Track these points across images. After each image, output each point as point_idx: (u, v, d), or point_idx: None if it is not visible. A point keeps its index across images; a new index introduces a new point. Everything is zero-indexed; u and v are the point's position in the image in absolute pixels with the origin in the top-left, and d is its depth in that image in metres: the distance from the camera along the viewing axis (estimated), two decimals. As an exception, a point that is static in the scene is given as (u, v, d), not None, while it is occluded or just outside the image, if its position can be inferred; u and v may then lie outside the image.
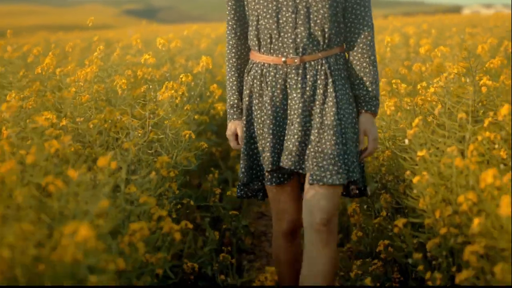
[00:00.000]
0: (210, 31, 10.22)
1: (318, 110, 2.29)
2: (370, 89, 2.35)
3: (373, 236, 3.01)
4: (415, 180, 1.87)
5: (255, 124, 2.39)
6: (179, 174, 2.60)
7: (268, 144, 2.34)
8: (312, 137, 2.29)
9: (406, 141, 2.28)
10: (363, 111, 2.37)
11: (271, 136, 2.34)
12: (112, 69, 3.79)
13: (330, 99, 2.29)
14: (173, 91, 3.06)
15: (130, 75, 3.79)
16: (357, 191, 2.42)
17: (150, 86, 2.93)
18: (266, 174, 2.38)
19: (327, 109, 2.28)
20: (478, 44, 4.35)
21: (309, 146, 2.29)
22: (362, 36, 2.34)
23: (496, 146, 2.01)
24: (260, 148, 2.39)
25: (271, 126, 2.34)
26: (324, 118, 2.28)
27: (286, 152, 2.30)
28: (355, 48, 2.35)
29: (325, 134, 2.28)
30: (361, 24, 2.34)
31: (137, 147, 2.49)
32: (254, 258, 3.74)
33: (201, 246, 3.16)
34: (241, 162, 2.46)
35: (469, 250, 1.56)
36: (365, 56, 2.35)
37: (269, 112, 2.33)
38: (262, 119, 2.36)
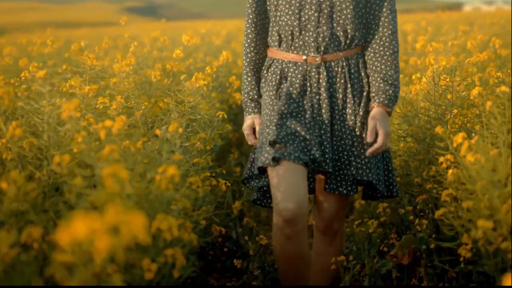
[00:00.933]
0: (220, 29, 10.79)
1: (337, 117, 2.31)
2: (381, 85, 2.31)
3: (374, 204, 3.54)
4: (407, 146, 2.41)
5: (268, 113, 2.33)
6: (213, 149, 3.14)
7: (274, 119, 2.26)
8: (331, 144, 2.30)
9: (401, 119, 2.82)
10: (374, 105, 2.32)
11: (279, 115, 2.26)
12: (144, 63, 4.34)
13: (349, 105, 2.31)
14: (202, 81, 3.62)
15: (160, 67, 4.34)
16: (379, 194, 2.38)
17: (183, 77, 3.47)
18: (267, 149, 2.23)
19: (346, 116, 2.31)
20: (468, 40, 4.90)
21: (327, 151, 2.28)
22: (377, 37, 2.33)
23: (472, 121, 2.56)
24: (265, 125, 2.30)
25: (282, 107, 2.27)
26: (342, 124, 2.31)
27: (313, 145, 2.25)
28: (369, 48, 2.35)
29: (342, 142, 2.31)
30: (376, 24, 2.33)
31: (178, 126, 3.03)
32: (269, 229, 4.30)
33: (226, 213, 3.71)
34: (252, 154, 2.42)
35: (445, 193, 2.10)
36: (378, 55, 2.33)
37: (283, 97, 2.29)
38: (281, 106, 2.29)
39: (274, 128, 2.24)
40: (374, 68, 2.34)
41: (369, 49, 2.35)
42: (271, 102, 2.32)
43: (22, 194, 1.65)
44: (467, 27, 7.24)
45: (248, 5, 2.43)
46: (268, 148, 2.23)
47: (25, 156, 2.16)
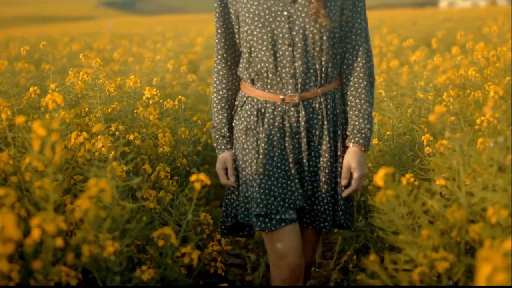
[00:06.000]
0: (212, 29, 13.65)
1: (312, 153, 2.29)
2: (357, 122, 2.30)
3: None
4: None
5: (249, 163, 2.31)
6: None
7: (262, 186, 2.26)
8: (307, 179, 2.30)
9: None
10: (350, 144, 2.31)
11: (266, 178, 2.26)
12: (173, 56, 7.23)
13: (325, 141, 2.29)
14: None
15: (182, 58, 7.20)
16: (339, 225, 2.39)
17: (204, 62, 6.35)
18: (256, 218, 2.27)
19: (322, 151, 2.29)
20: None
21: (305, 188, 2.30)
22: (353, 67, 2.31)
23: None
24: (252, 190, 2.29)
25: (267, 166, 2.26)
26: (319, 160, 2.29)
27: (296, 193, 2.27)
28: (345, 81, 2.32)
29: (318, 177, 2.30)
30: (355, 55, 2.31)
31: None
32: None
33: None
34: (226, 202, 2.43)
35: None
36: (352, 88, 2.32)
37: (266, 151, 2.27)
38: (257, 159, 2.29)
39: (258, 196, 2.25)
40: (349, 102, 2.33)
41: (345, 81, 2.34)
42: (249, 155, 2.31)
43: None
44: (390, 29, 10.19)
45: (217, 41, 2.40)
46: (256, 219, 2.27)
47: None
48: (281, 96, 2.26)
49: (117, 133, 2.89)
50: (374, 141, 3.10)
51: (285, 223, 2.26)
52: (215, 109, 2.42)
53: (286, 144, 2.27)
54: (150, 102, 3.05)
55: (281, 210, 2.26)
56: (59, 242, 1.37)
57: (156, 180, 2.88)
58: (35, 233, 1.34)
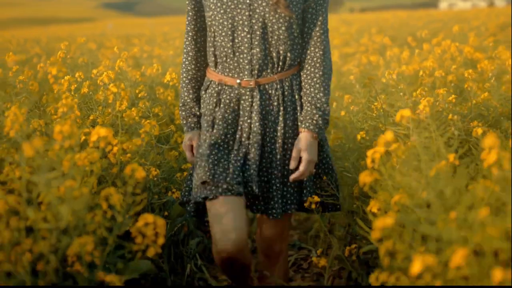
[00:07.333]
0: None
1: (268, 139, 2.36)
2: (309, 109, 2.35)
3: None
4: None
5: (204, 140, 2.37)
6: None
7: (212, 156, 2.32)
8: (260, 166, 2.36)
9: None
10: (301, 130, 2.36)
11: (216, 150, 2.33)
12: (177, 53, 8.10)
13: (279, 128, 2.36)
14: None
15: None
16: (321, 207, 2.45)
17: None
18: (202, 186, 2.29)
19: (276, 139, 2.37)
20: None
21: (258, 174, 2.34)
22: (311, 57, 2.37)
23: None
24: (201, 159, 2.33)
25: (219, 141, 2.34)
26: (273, 147, 2.37)
27: (246, 175, 2.32)
28: (304, 70, 2.38)
29: (273, 165, 2.37)
30: (314, 46, 2.37)
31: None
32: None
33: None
34: (188, 175, 2.50)
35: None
36: (308, 78, 2.36)
37: (220, 127, 2.34)
38: (213, 136, 2.35)
39: (205, 165, 2.30)
40: (304, 90, 2.38)
41: (302, 70, 2.39)
42: (205, 132, 2.38)
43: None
44: (377, 29, 11.09)
45: (187, 22, 2.47)
46: (201, 187, 2.30)
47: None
48: (238, 80, 2.34)
49: (144, 107, 3.77)
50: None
51: (231, 193, 2.26)
52: (185, 89, 2.50)
53: (238, 126, 2.35)
54: (171, 84, 3.93)
55: (229, 181, 2.27)
56: (126, 157, 2.24)
57: (174, 145, 3.77)
58: (115, 149, 2.22)
